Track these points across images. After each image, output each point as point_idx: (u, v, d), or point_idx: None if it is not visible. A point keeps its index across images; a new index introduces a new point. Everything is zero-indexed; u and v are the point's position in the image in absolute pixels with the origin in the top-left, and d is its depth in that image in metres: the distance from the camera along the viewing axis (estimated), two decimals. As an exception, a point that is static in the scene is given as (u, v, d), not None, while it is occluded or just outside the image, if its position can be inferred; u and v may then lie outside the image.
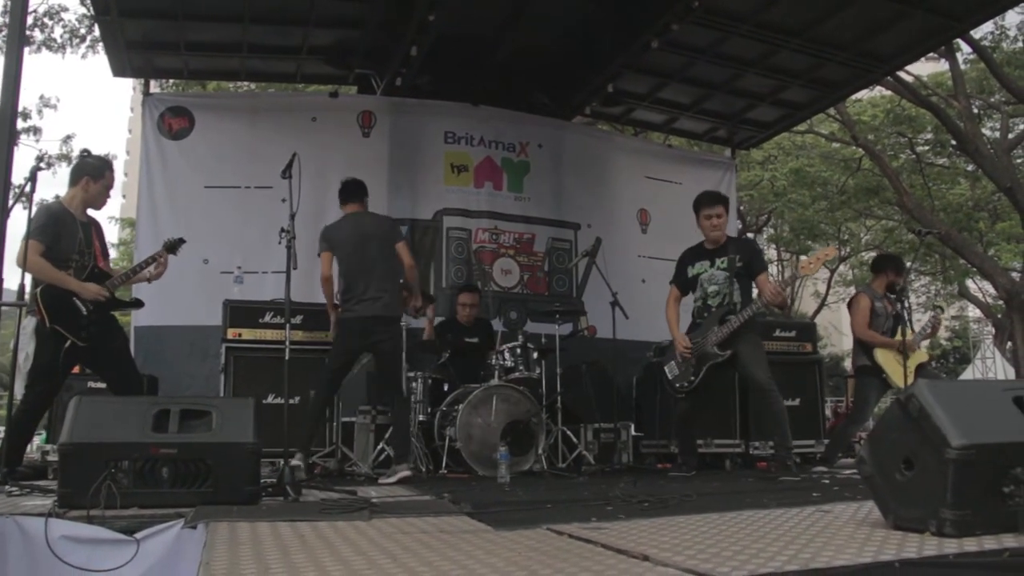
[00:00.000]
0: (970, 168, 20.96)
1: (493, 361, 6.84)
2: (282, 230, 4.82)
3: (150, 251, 5.96)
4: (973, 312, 30.50)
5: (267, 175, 7.86)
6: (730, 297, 5.95)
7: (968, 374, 20.83)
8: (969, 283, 25.66)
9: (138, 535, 3.28)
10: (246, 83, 11.71)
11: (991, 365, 16.74)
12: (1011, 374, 16.39)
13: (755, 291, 6.10)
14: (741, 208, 20.86)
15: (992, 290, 26.81)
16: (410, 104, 8.54)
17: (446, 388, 7.03)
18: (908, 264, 7.31)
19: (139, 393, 5.41)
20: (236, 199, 8.02)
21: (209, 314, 7.21)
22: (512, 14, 7.74)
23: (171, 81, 11.33)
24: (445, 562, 2.40)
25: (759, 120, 9.78)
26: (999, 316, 20.69)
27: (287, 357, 4.75)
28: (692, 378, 6.01)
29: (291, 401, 6.22)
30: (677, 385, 6.12)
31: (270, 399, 6.15)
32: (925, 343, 7.35)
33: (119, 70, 8.24)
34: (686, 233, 7.42)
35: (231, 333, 6.58)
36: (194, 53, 8.13)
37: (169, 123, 8.03)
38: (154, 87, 8.75)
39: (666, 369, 6.23)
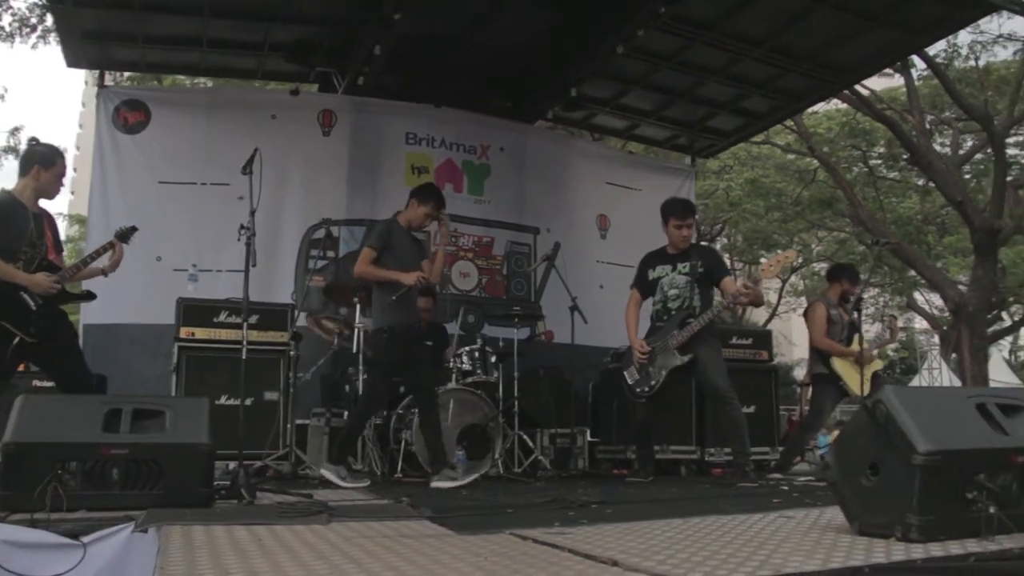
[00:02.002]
0: (920, 182, 21.36)
1: (451, 364, 6.78)
2: (241, 227, 4.71)
3: (101, 246, 5.79)
4: (920, 323, 31.07)
5: (224, 172, 7.74)
6: (690, 301, 5.96)
7: (915, 384, 21.19)
8: (916, 295, 26.13)
9: (85, 539, 3.15)
10: (204, 79, 11.52)
11: (937, 376, 17.05)
12: (957, 385, 16.69)
13: (716, 296, 6.12)
14: (696, 217, 20.95)
15: (939, 302, 27.37)
16: (372, 104, 8.45)
17: (402, 391, 6.95)
18: (861, 275, 7.40)
19: (89, 392, 5.25)
20: (192, 196, 7.86)
21: (161, 312, 7.07)
22: (478, 16, 7.69)
23: (126, 74, 11.10)
24: (410, 567, 2.35)
25: (719, 128, 9.83)
26: (945, 328, 21.07)
27: (244, 356, 4.63)
28: (653, 382, 6.00)
29: (245, 402, 6.21)
30: (638, 390, 6.10)
31: (223, 400, 6.05)
32: (876, 351, 7.44)
33: (73, 61, 8.04)
34: (645, 239, 7.44)
35: (184, 332, 6.44)
36: (152, 46, 7.94)
37: (124, 116, 7.85)
38: (108, 80, 8.54)
39: (626, 374, 6.21)
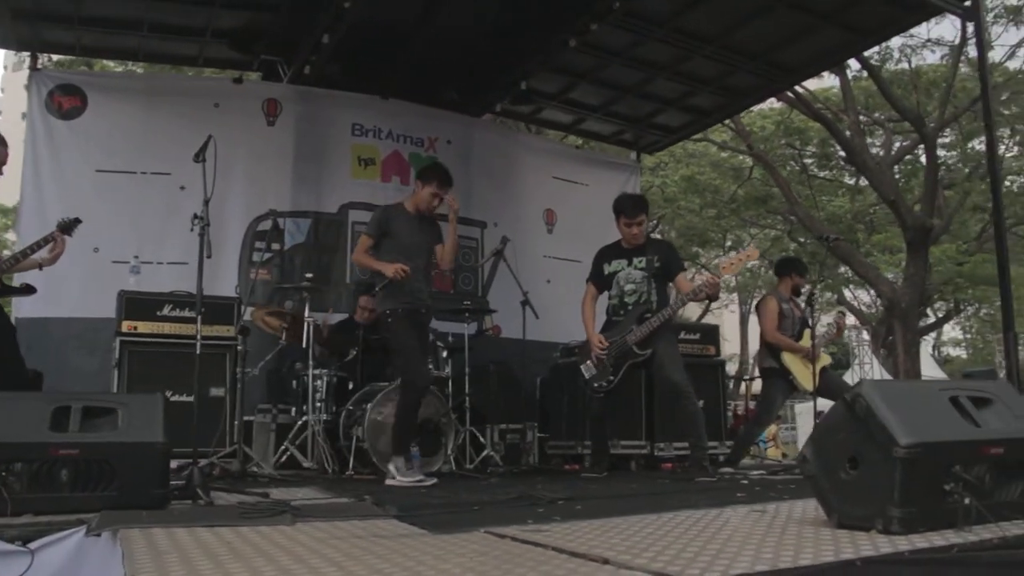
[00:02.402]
0: (850, 181, 21.84)
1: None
2: (195, 216, 4.55)
3: (33, 236, 5.54)
4: (849, 319, 31.76)
5: (165, 161, 7.53)
6: (647, 296, 5.95)
7: (846, 380, 21.60)
8: (845, 291, 26.73)
9: (32, 545, 3.00)
10: (141, 64, 11.15)
11: (869, 371, 17.47)
12: (888, 379, 17.09)
13: (672, 292, 6.12)
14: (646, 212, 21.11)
15: (866, 298, 28.02)
16: (317, 94, 8.26)
17: (351, 386, 6.82)
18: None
19: (25, 388, 5.03)
20: (131, 185, 7.58)
21: (99, 305, 6.83)
22: (428, 6, 7.57)
23: (55, 58, 10.69)
24: (396, 569, 2.26)
25: (666, 125, 9.86)
26: (874, 324, 21.59)
27: (199, 352, 4.47)
28: (611, 377, 5.98)
29: (188, 398, 6.02)
30: (595, 385, 6.07)
31: (168, 396, 5.83)
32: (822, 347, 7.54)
33: (2, 41, 7.73)
34: (591, 234, 7.44)
35: (126, 326, 6.20)
36: (89, 28, 7.63)
37: (59, 101, 7.53)
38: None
39: (582, 368, 6.17)
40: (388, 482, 5.29)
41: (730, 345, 34.97)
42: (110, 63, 12.13)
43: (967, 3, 6.77)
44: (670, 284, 6.11)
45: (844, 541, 2.63)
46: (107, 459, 3.54)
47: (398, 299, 5.54)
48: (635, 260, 6.04)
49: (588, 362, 6.11)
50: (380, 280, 5.60)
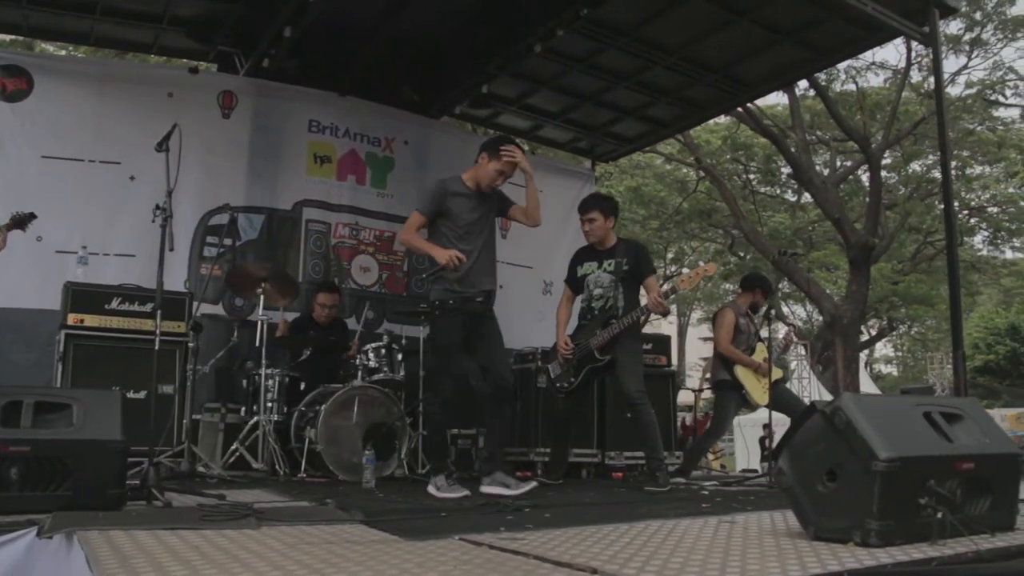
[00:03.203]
0: (791, 198, 22.22)
1: (357, 361, 6.56)
2: (157, 207, 4.41)
3: (-26, 223, 5.33)
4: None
5: (115, 149, 7.31)
6: (614, 301, 5.90)
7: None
8: (782, 307, 27.16)
9: (-23, 547, 2.86)
10: (91, 49, 10.82)
11: (807, 385, 17.76)
12: (825, 394, 17.37)
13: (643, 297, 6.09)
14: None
15: (802, 313, 28.50)
16: (275, 88, 8.07)
17: (303, 387, 6.69)
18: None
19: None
20: (78, 173, 7.29)
21: (41, 297, 6.61)
22: (394, 4, 7.47)
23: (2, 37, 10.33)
24: (382, 578, 2.19)
25: (622, 134, 9.88)
26: (812, 339, 21.96)
27: (157, 347, 4.33)
28: (572, 379, 5.96)
29: (137, 395, 5.86)
30: (558, 385, 6.06)
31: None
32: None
33: (-59, 20, 7.44)
34: (544, 240, 7.41)
35: (72, 319, 5.99)
36: (37, 8, 7.35)
37: (3, 83, 7.18)
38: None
39: (549, 368, 6.17)
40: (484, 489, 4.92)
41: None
42: (52, 46, 11.79)
43: (926, 29, 6.88)
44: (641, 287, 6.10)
45: (825, 554, 2.65)
46: (61, 457, 3.42)
47: (450, 289, 5.08)
48: (605, 263, 6.00)
49: (555, 362, 6.09)
50: (431, 265, 5.15)
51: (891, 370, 43.90)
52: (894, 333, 32.76)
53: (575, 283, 6.18)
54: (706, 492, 5.24)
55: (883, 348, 41.97)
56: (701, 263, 18.27)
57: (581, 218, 6.11)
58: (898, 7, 6.80)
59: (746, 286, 7.25)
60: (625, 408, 6.26)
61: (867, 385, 21.82)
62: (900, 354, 42.66)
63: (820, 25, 7.30)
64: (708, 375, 8.58)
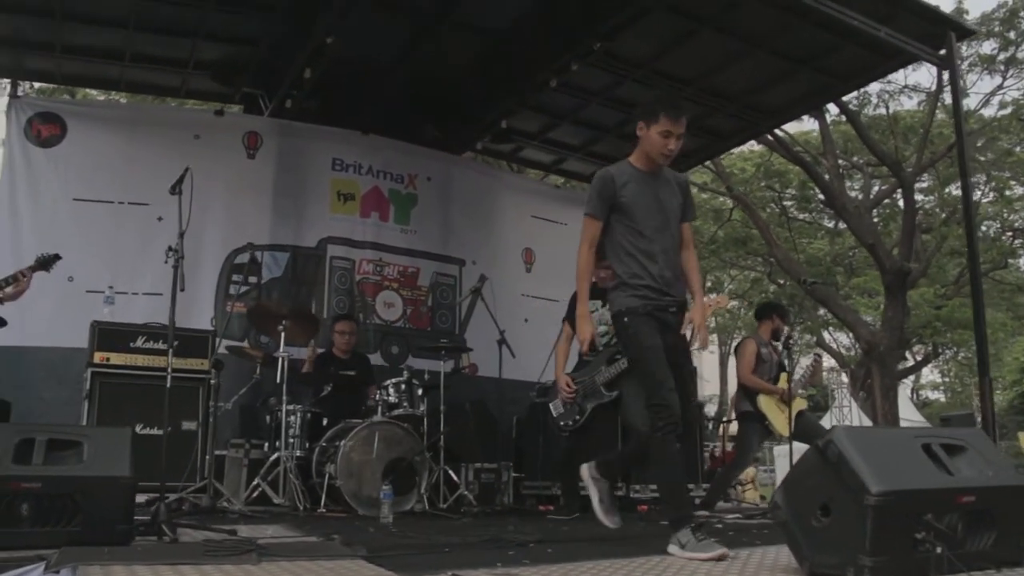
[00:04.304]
0: (829, 224, 22.00)
1: (377, 396, 6.62)
2: (170, 248, 4.52)
3: (5, 263, 5.50)
4: (827, 362, 31.89)
5: (143, 191, 7.49)
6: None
7: (825, 423, 21.68)
8: (824, 333, 26.81)
9: (-13, 582, 2.93)
10: (122, 94, 11.16)
11: (847, 414, 17.47)
12: (866, 422, 17.12)
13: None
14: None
15: (845, 340, 28.12)
16: (298, 128, 8.26)
17: (325, 423, 6.75)
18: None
19: (-5, 420, 4.96)
20: (108, 214, 7.53)
21: (71, 335, 6.76)
22: (411, 44, 7.62)
23: (37, 85, 10.66)
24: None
25: (646, 166, 9.88)
26: (853, 367, 21.68)
27: (168, 384, 4.41)
28: (577, 416, 5.96)
29: (160, 432, 5.94)
30: (562, 423, 6.07)
31: (139, 429, 5.78)
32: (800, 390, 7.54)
33: (-19, 68, 7.72)
34: (570, 273, 7.34)
35: (98, 357, 6.13)
36: (70, 56, 7.64)
37: (38, 129, 7.50)
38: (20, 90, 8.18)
39: (551, 407, 6.18)
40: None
41: (710, 386, 35.02)
42: (92, 92, 12.14)
43: (942, 52, 6.85)
44: None
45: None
46: (70, 493, 3.48)
47: (637, 295, 4.10)
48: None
49: (557, 400, 6.11)
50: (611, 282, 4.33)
51: (939, 396, 43.05)
52: (939, 359, 32.13)
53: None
54: (720, 526, 5.19)
55: (930, 374, 41.21)
56: (713, 295, 18.18)
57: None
58: (914, 31, 6.79)
59: (761, 315, 7.21)
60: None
61: (910, 412, 21.46)
62: (947, 380, 41.86)
63: (836, 52, 7.31)
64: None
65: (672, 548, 3.65)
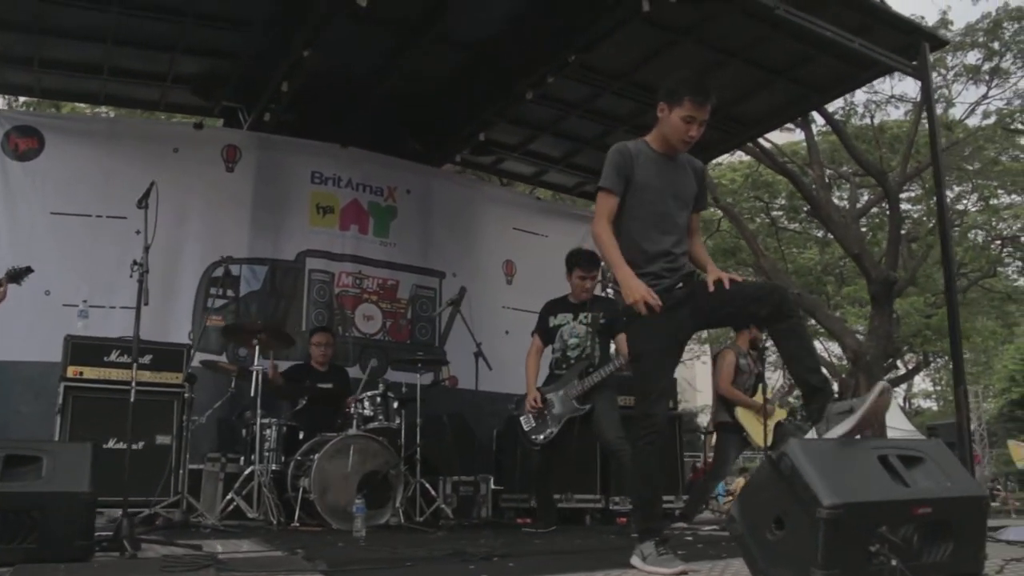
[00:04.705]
0: (819, 234, 22.06)
1: (352, 410, 6.60)
2: (134, 263, 4.51)
3: (-15, 278, 5.47)
4: (818, 372, 31.81)
5: (122, 205, 7.43)
6: (590, 351, 5.97)
7: (814, 432, 21.64)
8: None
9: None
10: (102, 108, 11.17)
11: (837, 423, 17.36)
12: (854, 433, 17.08)
13: (613, 348, 6.14)
14: (603, 264, 21.34)
15: (836, 350, 28.13)
16: (277, 141, 8.25)
17: (301, 436, 6.74)
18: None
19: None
20: (86, 228, 7.51)
21: (48, 350, 6.68)
22: (389, 58, 7.63)
23: (22, 99, 10.69)
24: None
25: (627, 177, 9.89)
26: (843, 376, 21.68)
27: (132, 399, 4.40)
28: (550, 430, 5.98)
29: (135, 446, 5.93)
30: (532, 437, 6.09)
31: (111, 443, 5.76)
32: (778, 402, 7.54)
33: (-40, 82, 7.72)
34: (551, 286, 7.40)
35: (71, 371, 6.07)
36: (49, 71, 7.65)
37: (15, 143, 7.47)
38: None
39: (522, 420, 6.19)
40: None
41: (702, 396, 34.94)
42: (80, 105, 12.13)
43: (915, 63, 6.89)
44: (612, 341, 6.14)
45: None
46: (28, 509, 3.46)
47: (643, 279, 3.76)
48: (580, 315, 6.08)
49: (528, 414, 6.13)
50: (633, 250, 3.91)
51: (931, 405, 43.09)
52: (930, 367, 32.18)
53: (546, 334, 6.23)
54: (690, 538, 5.18)
55: (922, 383, 41.27)
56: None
57: (584, 274, 6.09)
58: (889, 42, 6.83)
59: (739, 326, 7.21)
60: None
61: (900, 422, 21.40)
62: (939, 388, 41.89)
63: (812, 63, 7.34)
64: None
65: (634, 560, 3.60)
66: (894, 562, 2.85)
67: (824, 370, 4.15)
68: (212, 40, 7.41)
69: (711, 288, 3.77)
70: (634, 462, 3.91)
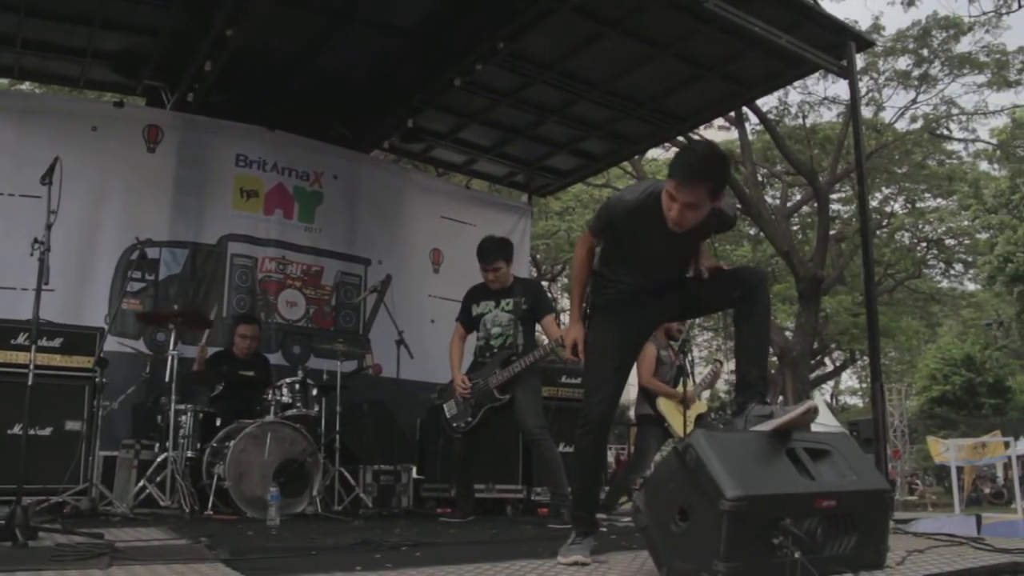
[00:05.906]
0: (752, 231, 22.36)
1: (270, 396, 6.48)
2: (35, 240, 4.35)
3: None
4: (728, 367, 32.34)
5: (35, 184, 7.11)
6: (513, 339, 5.96)
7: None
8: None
9: None
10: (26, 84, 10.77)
11: (763, 418, 17.64)
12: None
13: (540, 334, 6.12)
14: (537, 256, 21.37)
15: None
16: (201, 122, 8.03)
17: (218, 423, 6.59)
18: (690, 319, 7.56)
19: None
20: (-1, 206, 7.26)
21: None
22: (314, 40, 7.49)
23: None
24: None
25: (557, 168, 9.90)
26: (772, 372, 22.03)
27: (30, 383, 4.25)
28: (469, 419, 5.97)
29: (42, 432, 5.74)
30: (454, 424, 6.07)
31: (16, 429, 5.56)
32: (705, 394, 7.62)
33: None
34: (479, 275, 7.37)
35: (-25, 355, 5.88)
36: (-44, 41, 7.33)
37: (-79, 117, 7.19)
38: None
39: (445, 408, 6.17)
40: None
41: (631, 390, 35.22)
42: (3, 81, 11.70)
43: (843, 62, 6.96)
44: (538, 326, 6.13)
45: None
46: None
47: (606, 292, 3.85)
48: (503, 302, 6.05)
49: (452, 401, 6.09)
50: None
51: (856, 401, 44.09)
52: (857, 364, 32.89)
53: (469, 322, 6.20)
54: (604, 530, 5.17)
55: (849, 380, 42.18)
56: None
57: (485, 267, 6.09)
58: (817, 41, 6.87)
59: None
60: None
61: (826, 418, 21.85)
62: (864, 386, 42.84)
63: (742, 58, 7.36)
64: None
65: (560, 553, 3.60)
66: (797, 555, 2.86)
67: (766, 368, 4.14)
68: (131, 15, 7.11)
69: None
70: (574, 451, 4.05)
